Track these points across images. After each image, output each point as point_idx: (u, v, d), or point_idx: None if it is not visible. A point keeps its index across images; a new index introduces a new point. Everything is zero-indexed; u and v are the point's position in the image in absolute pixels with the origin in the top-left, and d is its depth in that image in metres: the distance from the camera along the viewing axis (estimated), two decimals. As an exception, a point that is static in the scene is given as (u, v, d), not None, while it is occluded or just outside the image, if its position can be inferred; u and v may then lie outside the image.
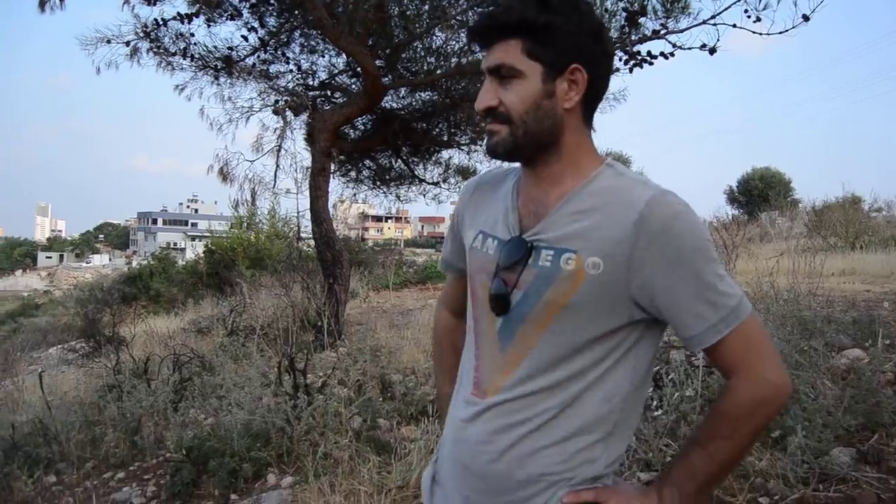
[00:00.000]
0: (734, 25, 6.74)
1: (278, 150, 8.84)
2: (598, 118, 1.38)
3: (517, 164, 1.39)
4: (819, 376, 3.69)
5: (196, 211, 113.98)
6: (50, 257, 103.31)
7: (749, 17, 6.47)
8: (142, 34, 8.09)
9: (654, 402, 3.62)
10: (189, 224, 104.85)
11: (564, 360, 1.26)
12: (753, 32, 6.59)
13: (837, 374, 3.94)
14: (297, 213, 9.90)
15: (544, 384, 1.27)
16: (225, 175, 9.00)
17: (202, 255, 21.13)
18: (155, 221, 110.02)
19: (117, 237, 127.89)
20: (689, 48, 7.05)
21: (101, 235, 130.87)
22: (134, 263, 34.25)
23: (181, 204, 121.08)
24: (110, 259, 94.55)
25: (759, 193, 33.82)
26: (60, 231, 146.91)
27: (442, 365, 1.71)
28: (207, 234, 24.89)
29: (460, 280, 1.59)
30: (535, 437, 1.27)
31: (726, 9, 6.66)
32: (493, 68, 1.26)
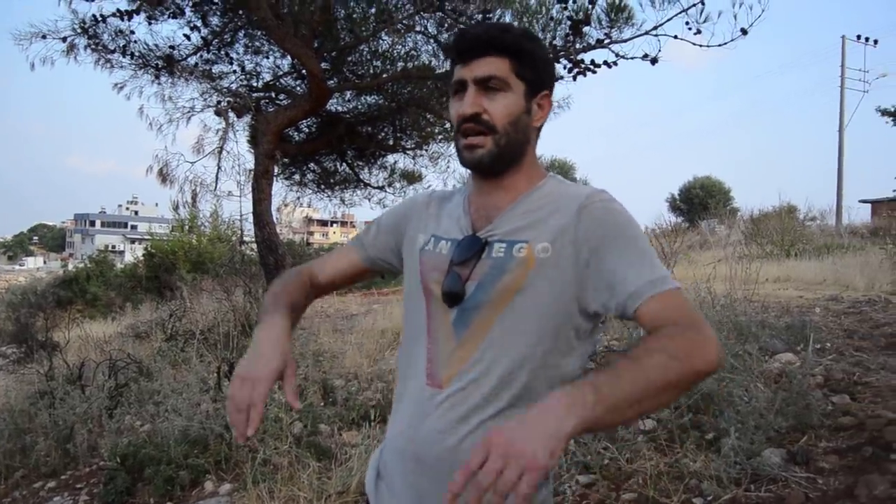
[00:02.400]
0: (675, 37, 6.88)
1: (220, 152, 8.68)
2: (545, 125, 1.52)
3: (462, 184, 1.49)
4: (752, 380, 3.80)
5: (136, 213, 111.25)
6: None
7: (690, 29, 6.62)
8: (79, 30, 7.86)
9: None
10: (129, 226, 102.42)
11: (517, 347, 1.32)
12: (694, 44, 6.75)
13: (770, 377, 4.05)
14: (241, 216, 9.75)
15: (499, 372, 1.32)
16: (164, 176, 8.78)
17: (142, 258, 20.68)
18: (93, 223, 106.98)
19: (53, 239, 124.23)
20: (632, 58, 7.19)
21: (36, 237, 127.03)
22: (70, 266, 33.28)
23: (120, 206, 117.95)
24: (45, 262, 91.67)
25: (699, 202, 34.67)
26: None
27: (286, 288, 1.55)
28: (148, 237, 24.35)
29: (356, 265, 1.65)
30: (492, 425, 1.29)
31: (668, 20, 6.80)
32: (484, 78, 1.34)
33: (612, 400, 1.05)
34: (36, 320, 11.97)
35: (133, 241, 72.38)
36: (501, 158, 1.37)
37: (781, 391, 3.56)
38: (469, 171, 1.44)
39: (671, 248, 6.61)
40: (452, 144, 1.51)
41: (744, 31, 6.41)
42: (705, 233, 19.69)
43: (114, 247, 76.26)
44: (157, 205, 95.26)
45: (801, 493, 2.85)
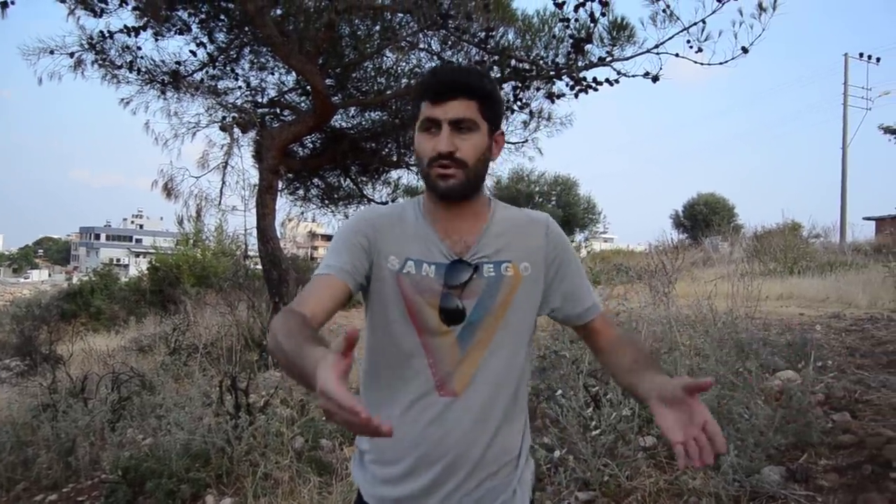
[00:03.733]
0: (677, 55, 6.96)
1: (225, 167, 8.75)
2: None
3: (402, 202, 1.68)
4: (752, 397, 3.79)
5: (141, 227, 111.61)
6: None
7: (691, 47, 6.69)
8: (87, 46, 7.96)
9: (594, 423, 3.67)
10: (133, 240, 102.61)
11: (511, 354, 1.55)
12: (695, 62, 6.82)
13: (771, 395, 4.05)
14: (245, 230, 9.78)
15: (499, 378, 1.54)
16: (169, 191, 8.86)
17: (146, 271, 20.72)
18: (98, 237, 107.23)
19: (58, 252, 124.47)
20: (634, 76, 7.26)
21: (41, 250, 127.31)
22: (74, 279, 33.33)
23: (125, 219, 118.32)
24: (50, 275, 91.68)
25: (703, 218, 34.63)
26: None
27: (302, 333, 1.29)
28: (152, 251, 24.43)
29: (346, 292, 1.50)
30: (505, 423, 1.55)
31: (669, 39, 6.88)
32: (457, 120, 1.47)
33: None
34: (40, 333, 12.04)
35: (138, 254, 72.47)
36: (470, 188, 1.52)
37: (781, 409, 3.56)
38: (439, 198, 1.54)
39: (673, 265, 6.62)
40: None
41: (745, 50, 6.48)
42: (708, 250, 19.65)
43: (118, 260, 76.18)
44: (161, 219, 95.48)
45: (799, 511, 2.85)
